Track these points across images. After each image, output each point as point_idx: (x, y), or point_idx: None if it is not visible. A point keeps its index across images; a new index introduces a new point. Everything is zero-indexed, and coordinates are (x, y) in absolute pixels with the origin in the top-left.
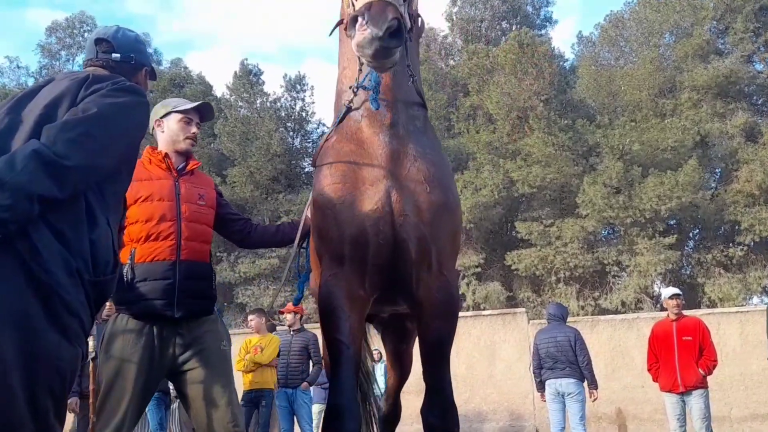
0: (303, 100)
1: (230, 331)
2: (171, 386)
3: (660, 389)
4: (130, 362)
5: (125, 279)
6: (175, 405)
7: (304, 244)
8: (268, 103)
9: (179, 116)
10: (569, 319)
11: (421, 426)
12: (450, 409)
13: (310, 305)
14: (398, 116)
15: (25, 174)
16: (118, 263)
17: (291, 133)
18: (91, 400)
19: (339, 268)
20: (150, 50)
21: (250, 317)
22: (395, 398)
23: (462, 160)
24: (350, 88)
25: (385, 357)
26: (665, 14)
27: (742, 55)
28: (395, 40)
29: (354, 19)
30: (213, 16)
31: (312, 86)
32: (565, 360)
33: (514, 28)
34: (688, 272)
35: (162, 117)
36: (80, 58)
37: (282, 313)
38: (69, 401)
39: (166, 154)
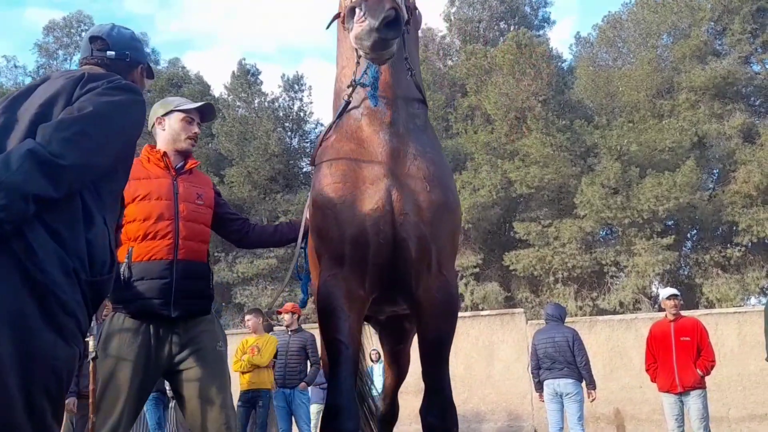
0: (301, 100)
1: (228, 331)
2: (168, 386)
3: (658, 389)
4: (126, 361)
5: (122, 278)
6: (173, 404)
7: (303, 244)
8: (266, 103)
9: (181, 115)
10: (567, 319)
11: (419, 426)
12: (449, 409)
13: (308, 305)
14: (398, 114)
15: (21, 174)
16: (115, 262)
17: (289, 133)
18: (91, 400)
19: (339, 268)
20: (148, 50)
21: (247, 317)
22: (393, 398)
23: (460, 161)
24: (349, 85)
25: (382, 357)
26: (663, 15)
27: (739, 56)
28: (393, 31)
29: (351, 10)
30: (212, 16)
31: (310, 86)
32: (563, 360)
33: (512, 28)
34: (686, 273)
35: (163, 115)
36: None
37: (280, 313)
38: (66, 401)
39: (165, 153)
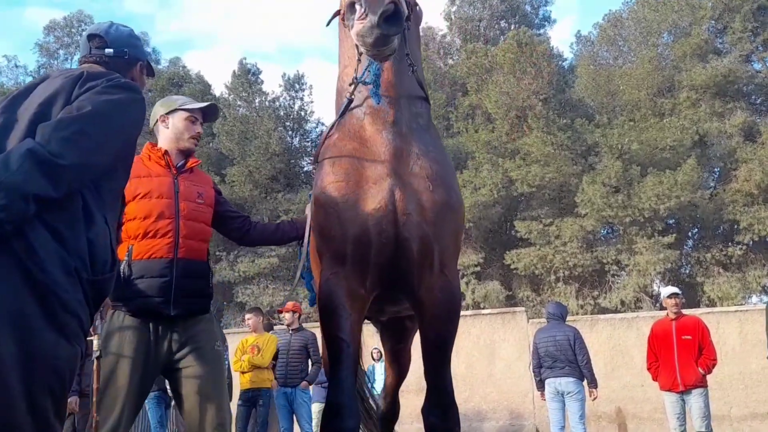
0: (302, 99)
1: (229, 330)
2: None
3: (660, 388)
4: (126, 359)
5: (122, 276)
6: (174, 403)
7: (304, 242)
8: (267, 103)
9: (186, 114)
10: (568, 318)
11: (421, 425)
12: (451, 408)
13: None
14: (401, 113)
15: (20, 174)
16: (116, 261)
17: (290, 133)
18: (95, 399)
19: (340, 267)
20: (148, 49)
21: (247, 316)
22: (394, 396)
23: (461, 160)
24: (351, 83)
25: (383, 356)
26: (664, 14)
27: (740, 55)
28: (394, 27)
29: (351, 6)
30: (212, 16)
31: (311, 85)
32: (564, 359)
33: (512, 27)
34: (687, 271)
35: (167, 113)
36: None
37: (281, 312)
38: (69, 400)
39: (166, 152)
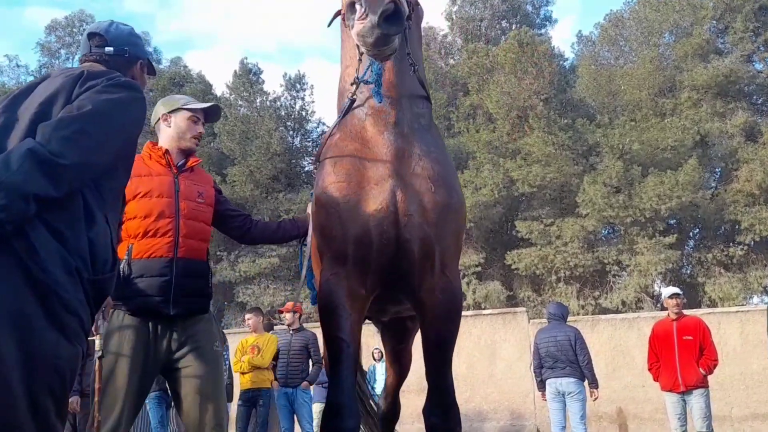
0: (303, 99)
1: (230, 331)
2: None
3: (661, 389)
4: (126, 358)
5: (122, 274)
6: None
7: (305, 240)
8: (268, 102)
9: (188, 114)
10: (569, 318)
11: (421, 425)
12: (452, 408)
13: (309, 304)
14: (403, 114)
15: (21, 174)
16: (117, 261)
17: (291, 132)
18: (96, 399)
19: (341, 267)
20: (149, 49)
21: (247, 316)
22: (394, 396)
23: (462, 160)
24: (352, 83)
25: (384, 356)
26: (665, 14)
27: (741, 55)
28: (394, 26)
29: (351, 6)
30: (211, 16)
31: (312, 85)
32: (565, 359)
33: (513, 27)
34: (688, 272)
35: (170, 112)
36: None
37: (281, 312)
38: (70, 400)
39: (167, 151)
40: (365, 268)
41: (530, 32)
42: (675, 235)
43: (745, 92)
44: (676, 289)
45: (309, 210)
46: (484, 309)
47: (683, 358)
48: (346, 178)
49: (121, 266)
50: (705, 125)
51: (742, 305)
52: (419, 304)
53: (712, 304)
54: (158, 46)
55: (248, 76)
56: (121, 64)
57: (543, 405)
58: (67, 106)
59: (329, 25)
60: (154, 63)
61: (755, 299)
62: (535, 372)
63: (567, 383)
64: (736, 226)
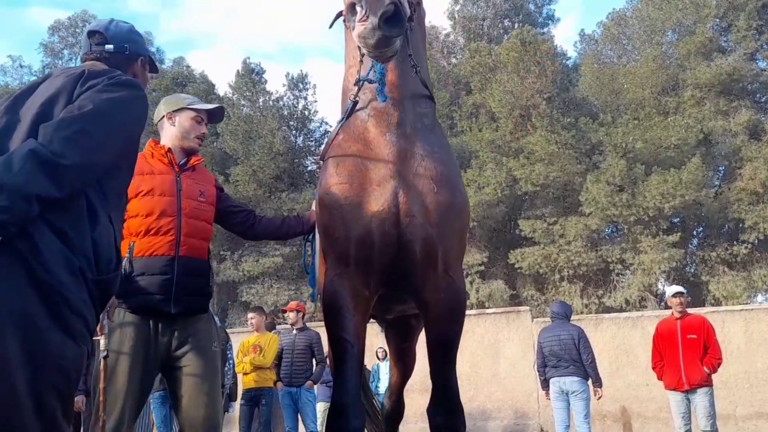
0: (305, 98)
1: (234, 330)
2: None
3: (665, 387)
4: (127, 356)
5: (123, 272)
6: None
7: (310, 238)
8: (271, 102)
9: (193, 114)
10: (573, 317)
11: (425, 424)
12: (456, 408)
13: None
14: (405, 115)
15: (22, 175)
16: (120, 260)
17: (294, 132)
18: (101, 399)
19: (344, 268)
20: (152, 49)
21: (250, 315)
22: (398, 395)
23: (465, 159)
24: (355, 83)
25: (388, 355)
26: (668, 12)
27: (745, 53)
28: (396, 28)
29: (352, 7)
30: (212, 16)
31: (314, 85)
32: (569, 358)
33: (516, 26)
34: (692, 270)
35: (174, 111)
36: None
37: (285, 311)
38: (75, 399)
39: (170, 149)
40: (368, 268)
41: (533, 31)
42: (678, 234)
43: (749, 90)
44: (680, 288)
45: (314, 207)
46: (487, 308)
47: (687, 357)
48: (348, 179)
49: (123, 264)
50: (708, 123)
51: (746, 304)
52: (423, 303)
53: (716, 302)
54: (161, 46)
55: (251, 76)
56: (122, 61)
57: (547, 404)
58: (68, 106)
59: (331, 26)
60: (157, 63)
61: (759, 298)
62: (538, 371)
63: (571, 382)
64: (740, 225)
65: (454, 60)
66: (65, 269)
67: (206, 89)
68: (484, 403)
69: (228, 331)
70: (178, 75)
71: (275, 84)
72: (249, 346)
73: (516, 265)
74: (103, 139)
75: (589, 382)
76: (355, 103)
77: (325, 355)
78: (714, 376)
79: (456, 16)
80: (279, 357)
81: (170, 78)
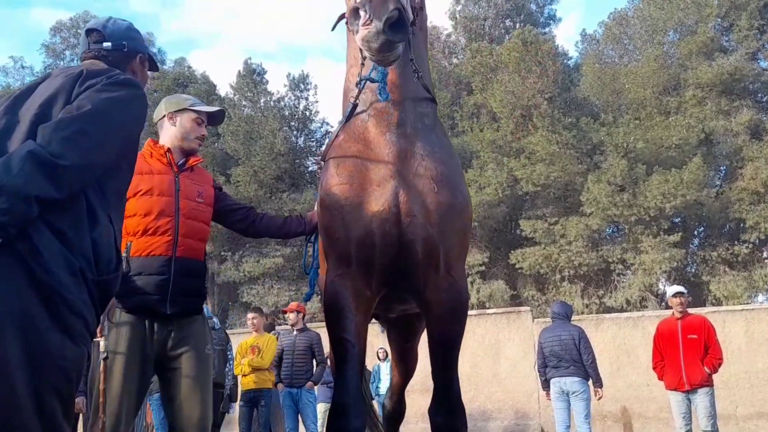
0: (307, 99)
1: (234, 331)
2: None
3: (665, 387)
4: (123, 356)
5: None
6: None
7: (312, 238)
8: (272, 102)
9: (194, 115)
10: (574, 317)
11: (426, 425)
12: (458, 409)
13: (314, 304)
14: (406, 115)
15: (21, 176)
16: (121, 260)
17: (295, 132)
18: (101, 400)
19: (346, 268)
20: (154, 50)
21: (250, 315)
22: (400, 396)
23: (466, 159)
24: (357, 84)
25: (390, 355)
26: (669, 12)
27: (746, 53)
28: (400, 33)
29: (355, 11)
30: (212, 16)
31: (315, 85)
32: (569, 358)
33: (517, 26)
34: (693, 270)
35: (176, 111)
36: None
37: (285, 312)
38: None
39: (169, 149)
40: (369, 269)
41: (534, 31)
42: (679, 234)
43: (750, 90)
44: (681, 288)
45: (316, 208)
46: (488, 308)
47: (688, 357)
48: (348, 180)
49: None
50: (710, 123)
51: (747, 304)
52: (425, 304)
53: (717, 302)
54: (162, 47)
55: (252, 77)
56: (120, 58)
57: (547, 404)
58: (67, 106)
59: (333, 29)
60: (158, 63)
61: (760, 297)
62: (539, 371)
63: (571, 382)
64: (741, 224)
65: (455, 60)
66: (65, 270)
67: (207, 90)
68: (485, 403)
69: (228, 332)
70: (179, 75)
71: (276, 84)
72: (247, 348)
73: (517, 266)
74: (102, 139)
75: (590, 382)
76: (356, 105)
77: (326, 355)
78: (715, 376)
79: (457, 16)
80: (279, 358)
81: (171, 78)
